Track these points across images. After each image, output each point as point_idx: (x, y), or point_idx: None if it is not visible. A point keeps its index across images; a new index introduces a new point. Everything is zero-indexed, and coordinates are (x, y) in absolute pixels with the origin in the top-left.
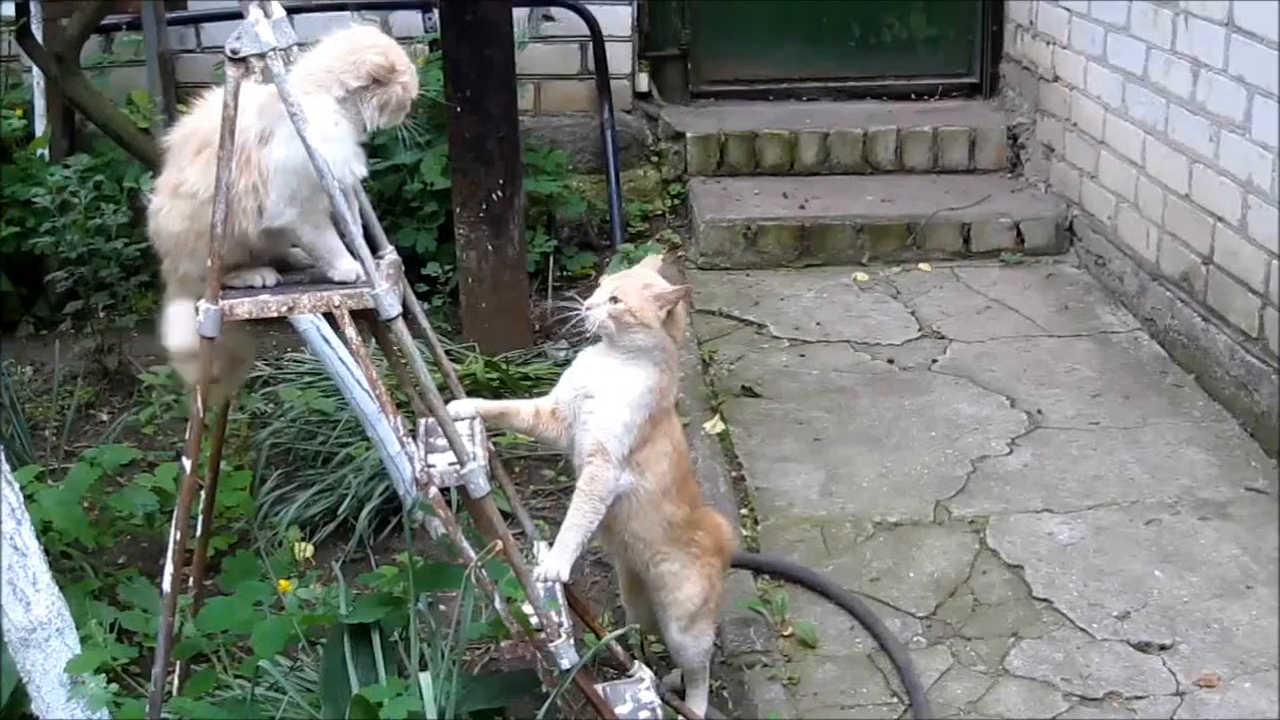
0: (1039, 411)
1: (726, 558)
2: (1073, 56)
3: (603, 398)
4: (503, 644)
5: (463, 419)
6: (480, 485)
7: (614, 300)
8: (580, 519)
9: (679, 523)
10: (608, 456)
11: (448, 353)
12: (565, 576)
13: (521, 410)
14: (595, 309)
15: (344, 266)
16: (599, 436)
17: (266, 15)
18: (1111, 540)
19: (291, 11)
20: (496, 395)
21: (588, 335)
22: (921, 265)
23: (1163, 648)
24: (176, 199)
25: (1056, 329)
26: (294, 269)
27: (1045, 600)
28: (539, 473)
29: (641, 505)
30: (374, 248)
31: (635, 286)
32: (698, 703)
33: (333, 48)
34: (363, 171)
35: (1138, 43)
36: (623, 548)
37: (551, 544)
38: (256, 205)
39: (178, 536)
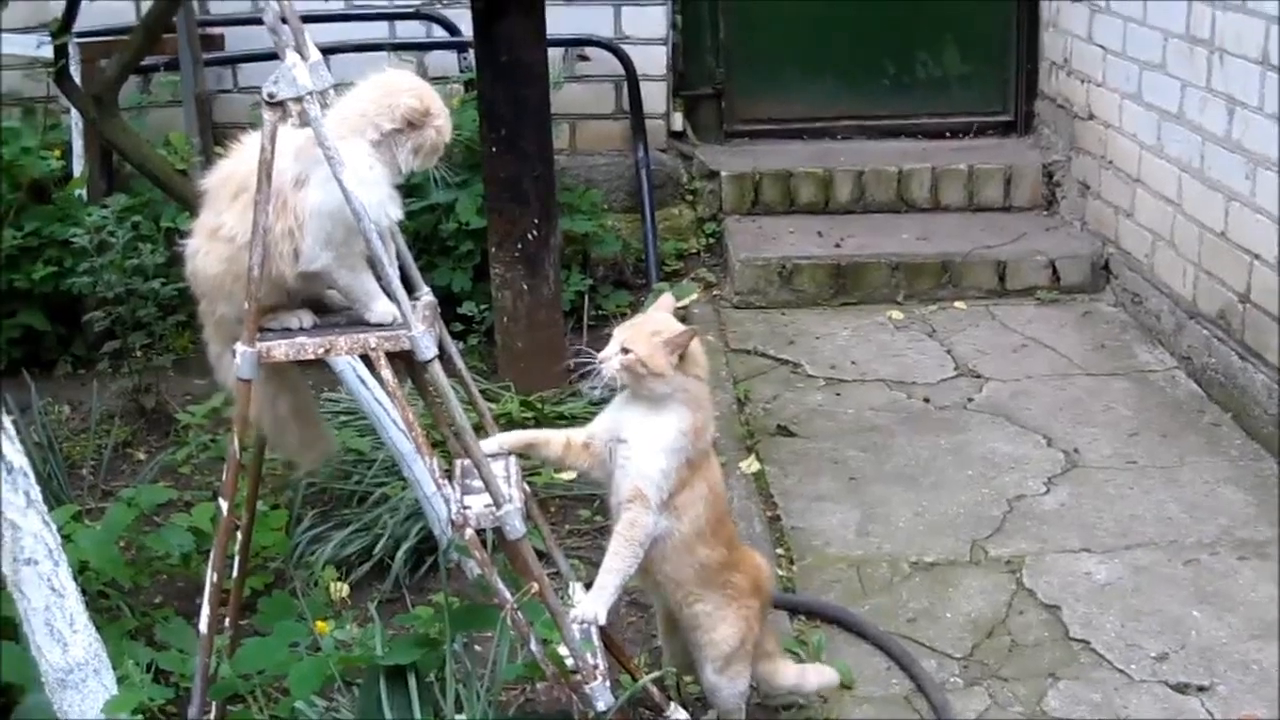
0: (1076, 450)
1: (765, 598)
2: (1108, 94)
3: (637, 445)
4: (538, 685)
5: (493, 457)
6: (516, 527)
7: (625, 351)
8: (618, 563)
9: (713, 565)
10: (647, 502)
11: (483, 392)
12: (602, 620)
13: (552, 441)
14: (608, 362)
15: (380, 309)
16: (637, 483)
17: (303, 58)
18: (1149, 580)
19: (327, 53)
20: None
21: (606, 388)
22: (957, 303)
23: (1201, 689)
24: (214, 242)
25: (1093, 367)
26: (330, 310)
27: (1083, 641)
28: (575, 512)
29: (675, 548)
30: (410, 289)
31: (644, 335)
32: None
33: (367, 91)
34: (398, 214)
35: (1173, 80)
36: (655, 587)
37: (588, 585)
38: (293, 249)
39: (214, 577)
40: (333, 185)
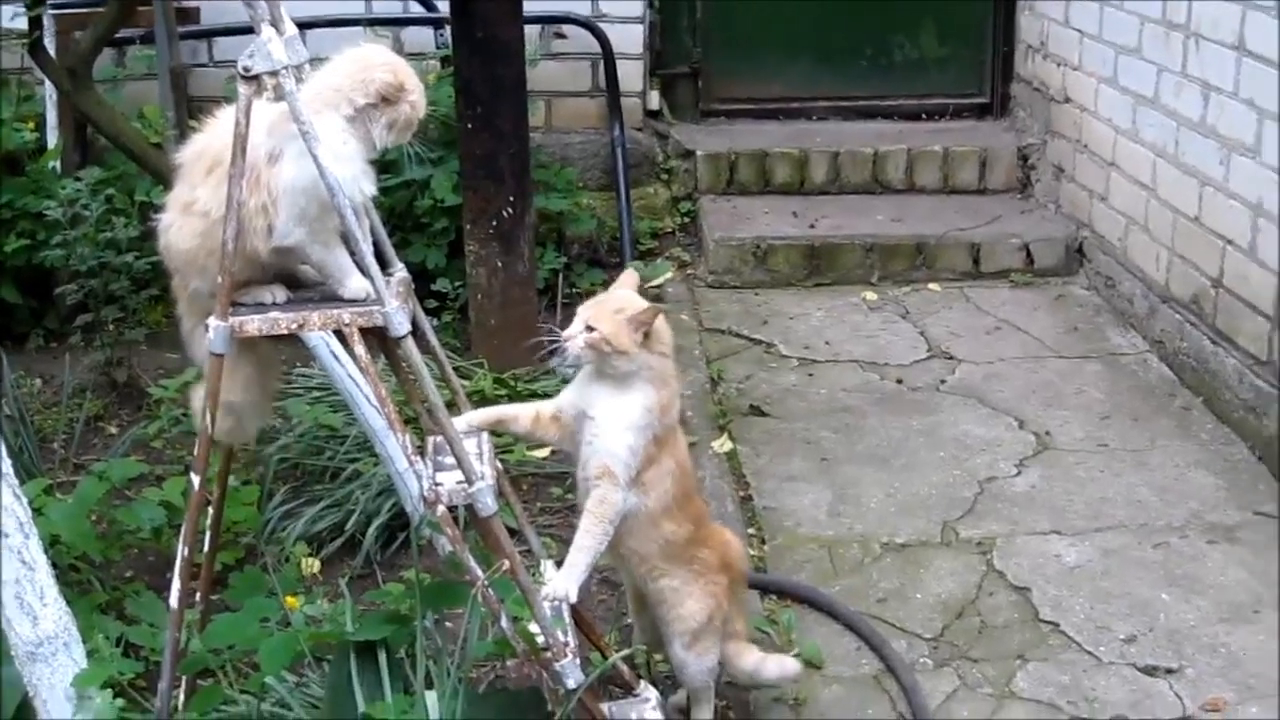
0: (1047, 433)
1: (736, 576)
2: (1084, 78)
3: (604, 422)
4: (509, 663)
5: (465, 435)
6: (488, 504)
7: (589, 329)
8: (589, 540)
9: (679, 540)
10: (615, 480)
11: (456, 369)
12: (573, 597)
13: (520, 416)
14: (572, 340)
15: (354, 284)
16: (605, 460)
17: (279, 32)
18: (1119, 563)
19: (303, 28)
20: None
21: (571, 365)
22: (931, 285)
23: (1169, 671)
24: (188, 216)
25: (1065, 350)
26: (304, 286)
27: (1052, 623)
28: (546, 490)
29: (641, 524)
30: (384, 265)
31: (608, 312)
32: (700, 710)
33: (342, 66)
34: (372, 190)
35: (1149, 65)
36: (621, 562)
37: (559, 563)
38: (266, 224)
39: (185, 551)
40: (306, 160)
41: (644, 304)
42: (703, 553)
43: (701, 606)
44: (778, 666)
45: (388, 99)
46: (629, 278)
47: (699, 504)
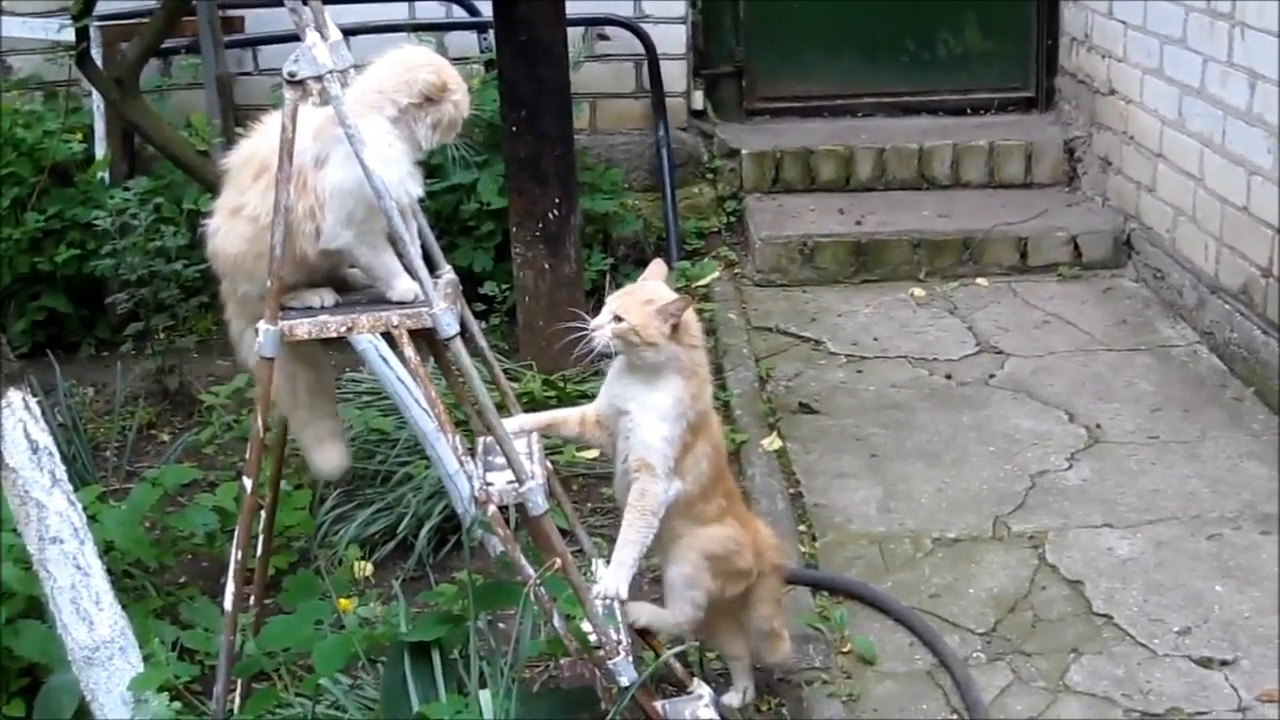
0: (1098, 426)
1: (767, 567)
2: (1129, 69)
3: (639, 415)
4: (562, 661)
5: (514, 436)
6: (539, 503)
7: (617, 319)
8: (634, 534)
9: (710, 516)
10: (654, 471)
11: (505, 371)
12: (624, 594)
13: (569, 419)
14: (600, 329)
15: (402, 286)
16: (643, 454)
17: (323, 38)
18: (1172, 555)
19: (348, 34)
20: None
21: (598, 355)
22: (978, 280)
23: (1224, 663)
24: (235, 221)
25: (1115, 343)
26: (352, 289)
27: (1105, 616)
28: (597, 490)
29: (677, 506)
30: (432, 267)
31: (637, 303)
32: (636, 610)
33: (385, 68)
34: (419, 192)
35: (1194, 55)
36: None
37: (609, 561)
38: (314, 228)
39: (239, 556)
40: (352, 164)
41: (673, 295)
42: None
43: (720, 537)
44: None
45: (431, 99)
46: (657, 268)
47: (730, 482)
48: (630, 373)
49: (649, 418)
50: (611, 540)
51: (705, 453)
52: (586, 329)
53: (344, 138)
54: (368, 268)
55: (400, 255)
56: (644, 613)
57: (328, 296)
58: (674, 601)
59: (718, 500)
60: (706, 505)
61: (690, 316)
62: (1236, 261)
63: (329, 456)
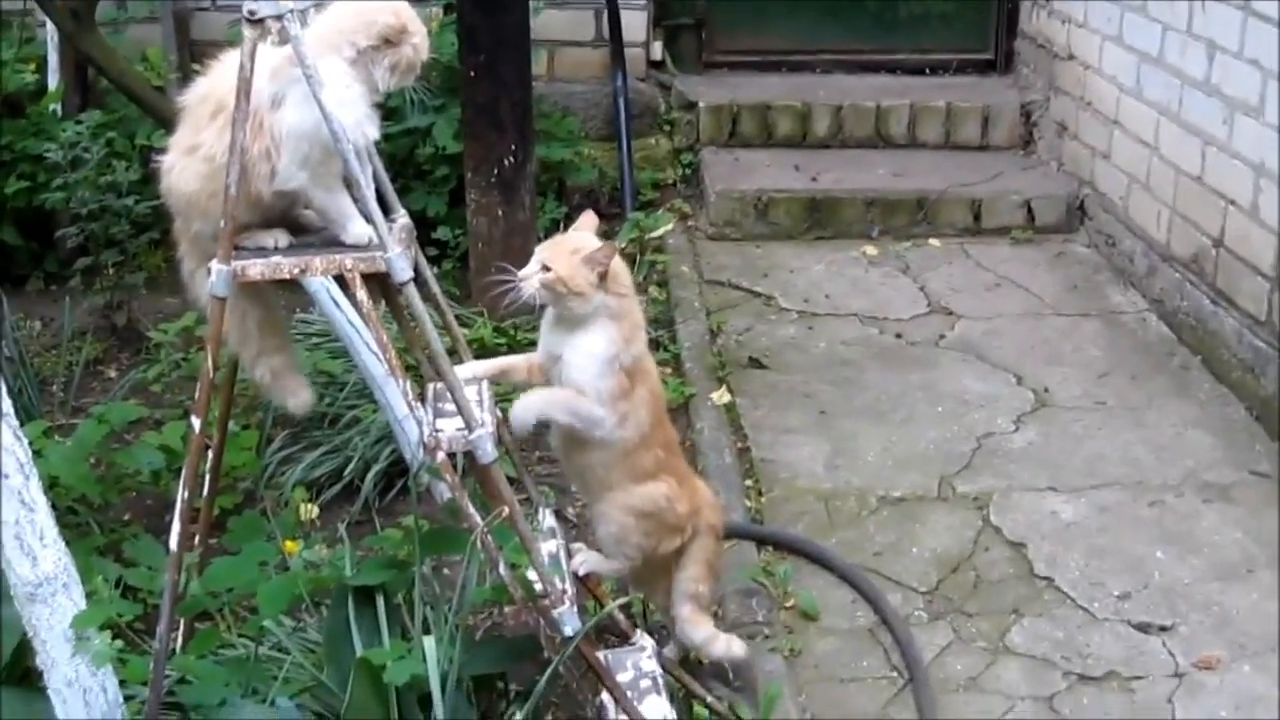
0: (1045, 390)
1: (704, 526)
2: (1088, 35)
3: (569, 355)
4: (506, 609)
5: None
6: (488, 451)
7: (545, 269)
8: (557, 397)
9: (647, 468)
10: (585, 395)
11: (456, 317)
12: (516, 431)
13: (518, 365)
14: (528, 279)
15: (356, 229)
16: (575, 385)
17: None
18: (1114, 520)
19: None
20: None
21: (526, 304)
22: (932, 241)
23: (1163, 629)
24: (191, 160)
25: (1065, 308)
26: (306, 230)
27: (1047, 578)
28: (544, 439)
29: (615, 454)
30: (386, 211)
31: (565, 252)
32: (581, 557)
33: (344, 9)
34: (375, 134)
35: (1154, 24)
36: (584, 485)
37: (557, 512)
38: (269, 169)
39: (185, 495)
40: (310, 105)
41: (599, 244)
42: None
43: (653, 493)
44: (725, 646)
45: (390, 40)
46: (588, 219)
47: (670, 432)
48: (560, 321)
49: (579, 356)
50: (559, 490)
51: (644, 398)
52: (513, 279)
53: (302, 78)
54: (322, 209)
55: (355, 198)
56: (589, 560)
57: (281, 238)
58: (608, 555)
59: (655, 451)
60: (644, 455)
61: (618, 264)
62: (1188, 231)
63: (300, 396)
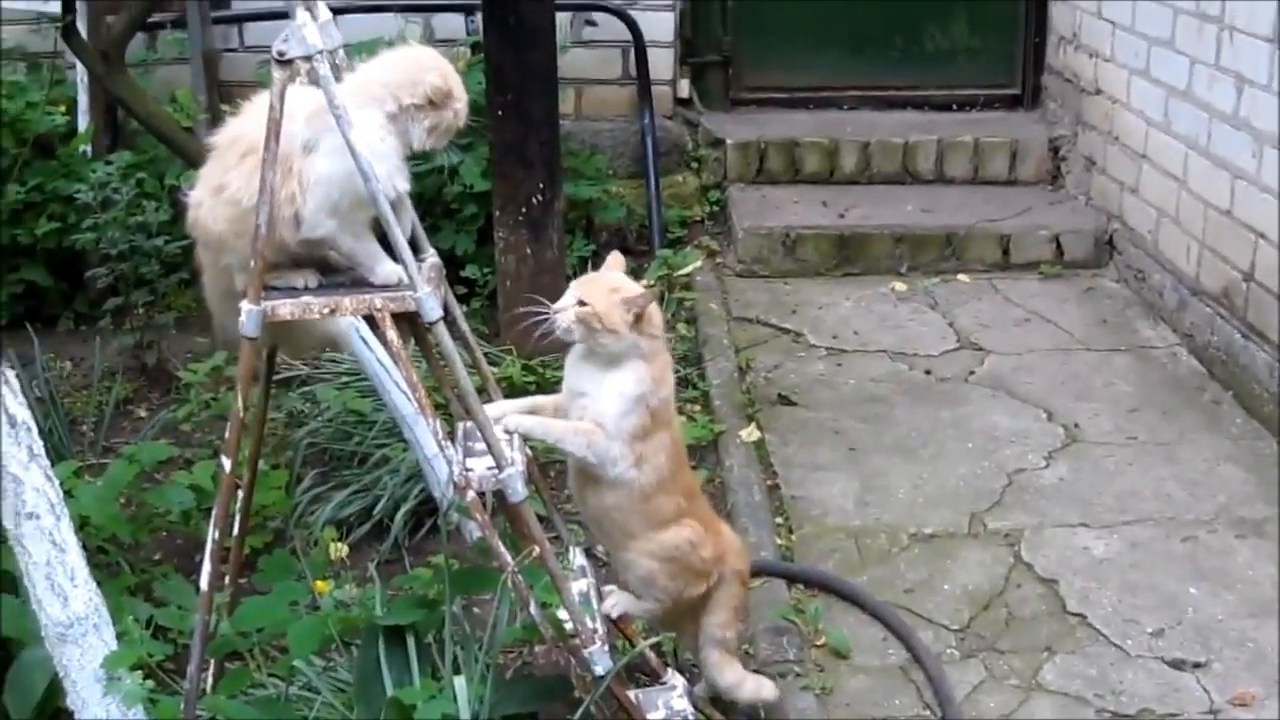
0: (1076, 425)
1: (730, 572)
2: (1115, 70)
3: (594, 392)
4: (536, 649)
5: (495, 421)
6: (518, 490)
7: (580, 304)
8: (561, 431)
9: (667, 514)
10: (605, 432)
11: (484, 355)
12: (511, 426)
13: (545, 405)
14: (563, 313)
15: (385, 270)
16: (596, 418)
17: (314, 17)
18: (1147, 556)
19: (337, 13)
20: None
21: (557, 340)
22: (960, 276)
23: (1197, 665)
24: (217, 201)
25: (1095, 343)
26: (335, 270)
27: (1079, 615)
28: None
29: (632, 498)
30: (416, 250)
31: (603, 291)
32: (612, 599)
33: (393, 63)
34: (406, 186)
35: (1181, 57)
36: (603, 534)
37: (588, 550)
38: (294, 213)
39: (215, 536)
40: (342, 154)
41: (639, 288)
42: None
43: (674, 534)
44: (754, 689)
45: (434, 103)
46: (616, 259)
47: (690, 479)
48: (588, 359)
49: (607, 391)
50: (586, 528)
51: (664, 444)
52: (548, 312)
53: (336, 126)
54: (350, 254)
55: (385, 240)
56: (621, 601)
57: (311, 278)
58: (640, 597)
59: (676, 498)
60: (664, 501)
61: (653, 308)
62: (1218, 264)
63: None
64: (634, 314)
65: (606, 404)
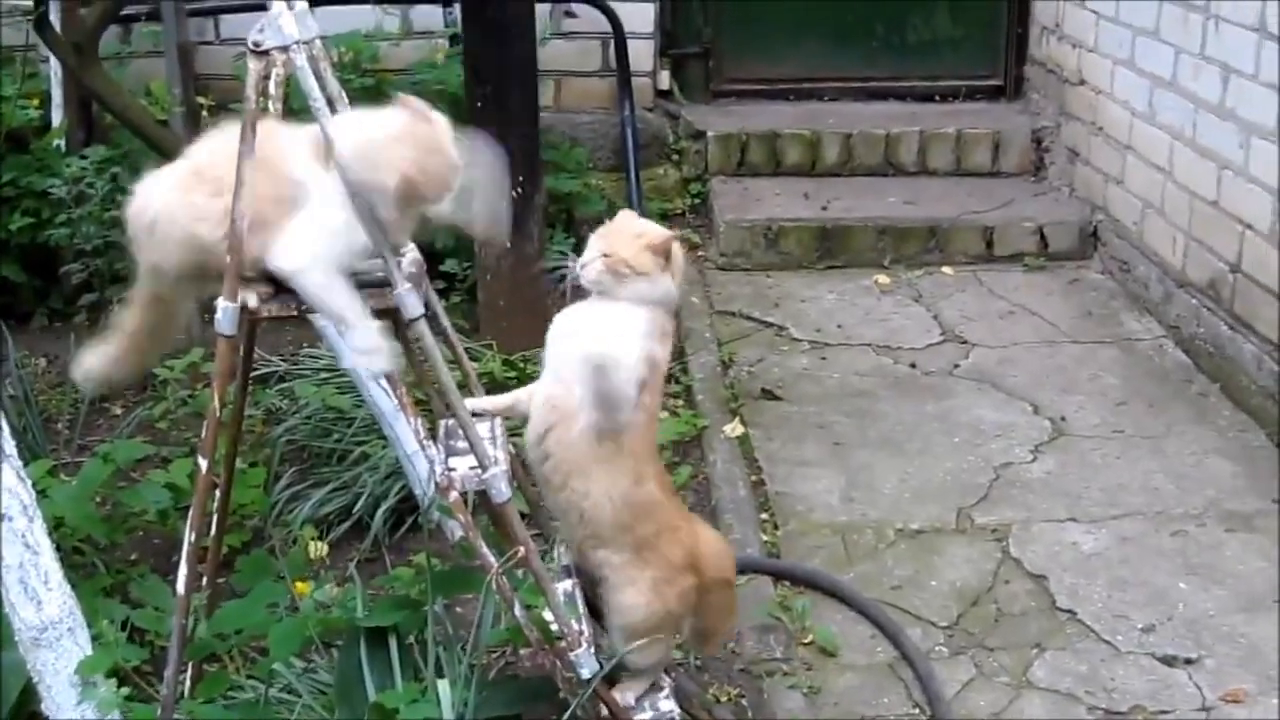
0: (1062, 419)
1: (709, 581)
2: (1099, 60)
3: (602, 333)
4: (521, 651)
5: (477, 418)
6: (502, 490)
7: (606, 255)
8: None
9: (636, 502)
10: (616, 369)
11: (465, 351)
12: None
13: (521, 398)
14: (590, 264)
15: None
16: (612, 359)
17: (289, 7)
18: (1136, 551)
19: (313, 4)
20: None
21: (585, 292)
22: (944, 268)
23: (1188, 661)
24: (186, 203)
25: (1080, 335)
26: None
27: (1069, 611)
28: None
29: (608, 451)
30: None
31: (628, 236)
32: (625, 692)
33: (419, 138)
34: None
35: (1166, 47)
36: (565, 516)
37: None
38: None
39: (192, 535)
40: (331, 209)
41: (662, 231)
42: (662, 543)
43: (642, 601)
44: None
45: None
46: (628, 214)
47: (662, 470)
48: (598, 303)
49: (618, 333)
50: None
51: (651, 409)
52: (566, 265)
53: (327, 182)
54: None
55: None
56: (635, 689)
57: (263, 289)
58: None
59: (649, 486)
60: (637, 486)
61: (678, 252)
62: (1204, 256)
63: (85, 364)
64: (663, 256)
65: (615, 343)
